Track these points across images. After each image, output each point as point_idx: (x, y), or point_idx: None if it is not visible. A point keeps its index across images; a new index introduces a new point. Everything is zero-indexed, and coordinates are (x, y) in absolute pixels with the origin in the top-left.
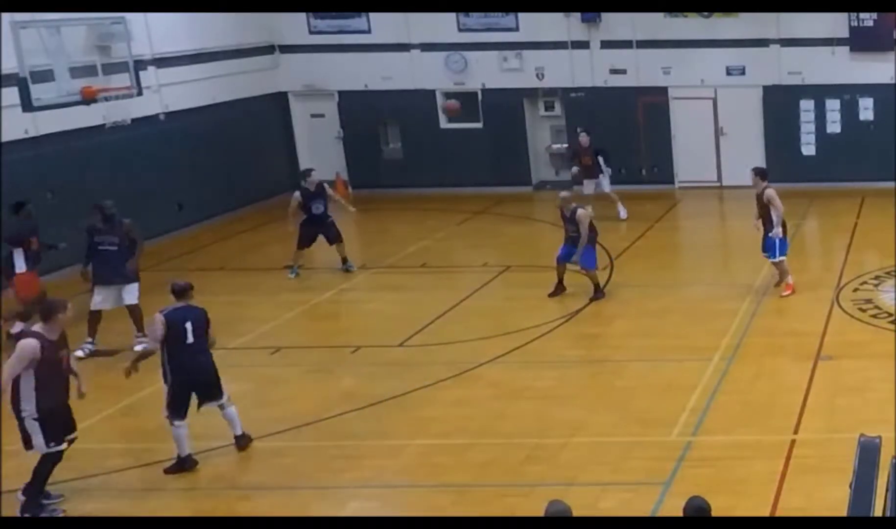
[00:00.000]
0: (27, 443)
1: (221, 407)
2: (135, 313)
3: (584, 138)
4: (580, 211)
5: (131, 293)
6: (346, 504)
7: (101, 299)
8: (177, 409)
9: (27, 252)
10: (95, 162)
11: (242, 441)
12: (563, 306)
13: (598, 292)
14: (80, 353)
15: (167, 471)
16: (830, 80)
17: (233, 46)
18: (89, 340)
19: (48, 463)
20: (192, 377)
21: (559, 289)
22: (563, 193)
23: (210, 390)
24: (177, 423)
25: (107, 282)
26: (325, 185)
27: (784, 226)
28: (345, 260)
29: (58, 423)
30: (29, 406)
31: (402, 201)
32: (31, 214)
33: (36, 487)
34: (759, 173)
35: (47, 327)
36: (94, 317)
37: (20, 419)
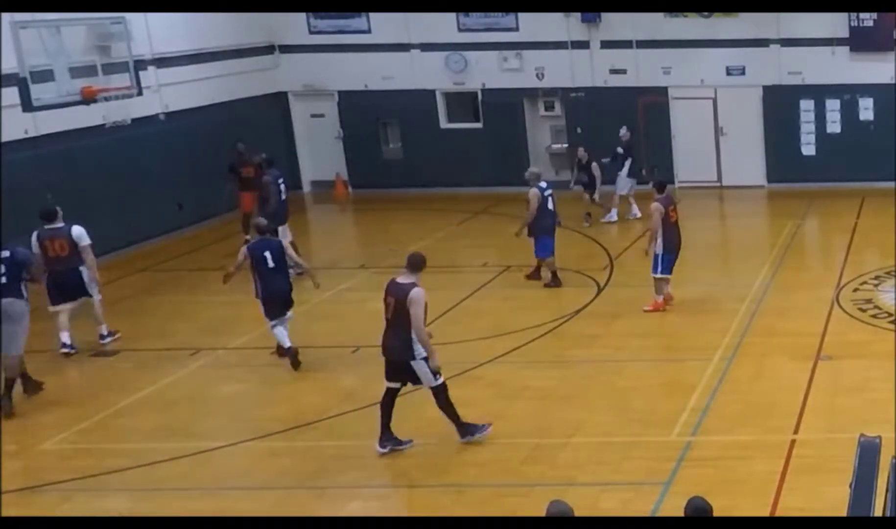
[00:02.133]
0: (416, 381)
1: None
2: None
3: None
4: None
5: (286, 234)
6: (346, 504)
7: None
8: (269, 314)
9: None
10: (95, 162)
11: (285, 353)
12: (563, 306)
13: (548, 280)
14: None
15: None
16: (830, 80)
17: (233, 46)
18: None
19: (445, 391)
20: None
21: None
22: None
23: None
24: (271, 323)
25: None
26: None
27: (672, 247)
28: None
29: None
30: (418, 348)
31: (402, 201)
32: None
33: (386, 420)
34: (655, 186)
35: (416, 277)
36: (293, 245)
37: (410, 361)
